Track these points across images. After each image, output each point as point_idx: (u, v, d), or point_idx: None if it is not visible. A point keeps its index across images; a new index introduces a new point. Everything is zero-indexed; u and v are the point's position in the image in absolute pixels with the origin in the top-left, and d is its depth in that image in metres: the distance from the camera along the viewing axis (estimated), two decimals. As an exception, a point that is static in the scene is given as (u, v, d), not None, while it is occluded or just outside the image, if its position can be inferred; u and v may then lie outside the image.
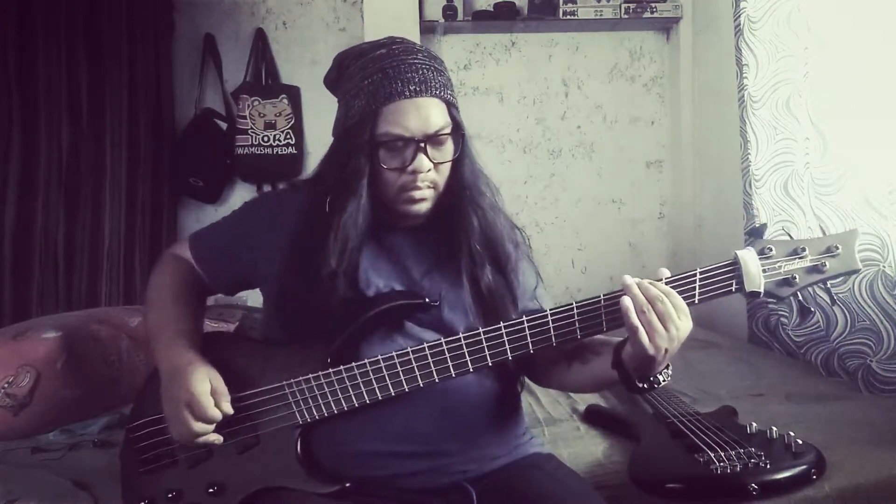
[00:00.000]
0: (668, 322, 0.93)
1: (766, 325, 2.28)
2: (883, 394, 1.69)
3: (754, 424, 1.33)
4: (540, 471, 1.11)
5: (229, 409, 1.06)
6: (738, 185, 2.29)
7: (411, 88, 1.06)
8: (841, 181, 1.83)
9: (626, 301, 0.94)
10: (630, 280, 0.96)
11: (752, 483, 1.15)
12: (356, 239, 1.08)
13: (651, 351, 0.93)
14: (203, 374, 1.06)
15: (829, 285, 1.05)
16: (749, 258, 0.98)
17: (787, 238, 1.02)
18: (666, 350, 0.94)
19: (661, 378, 1.00)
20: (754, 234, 1.04)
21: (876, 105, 1.77)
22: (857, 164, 1.80)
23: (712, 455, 1.22)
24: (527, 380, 1.23)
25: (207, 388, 1.04)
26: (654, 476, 1.24)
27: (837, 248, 0.99)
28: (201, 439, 1.05)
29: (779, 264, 1.00)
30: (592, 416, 1.56)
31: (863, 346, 1.79)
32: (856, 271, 1.01)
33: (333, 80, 1.17)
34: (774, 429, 1.29)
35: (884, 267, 1.71)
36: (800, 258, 0.99)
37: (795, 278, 0.99)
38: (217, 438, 1.06)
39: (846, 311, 1.83)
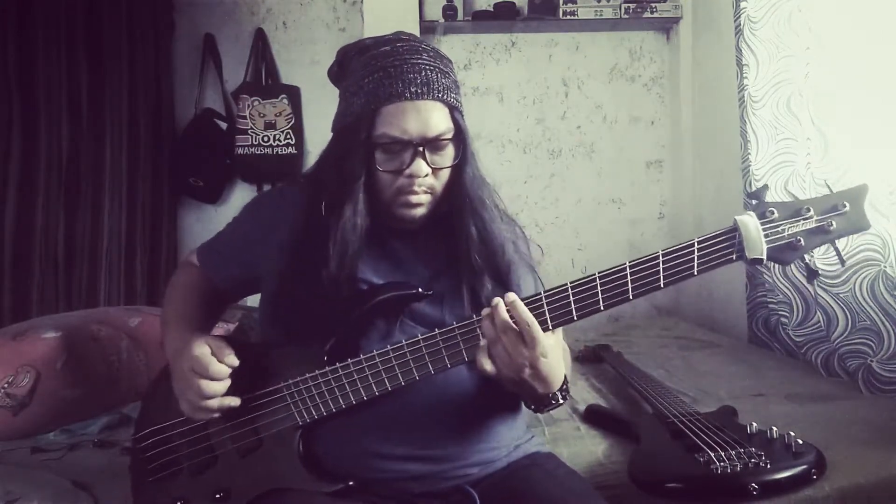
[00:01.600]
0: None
1: (766, 325, 2.28)
2: (883, 394, 1.69)
3: (754, 424, 1.33)
4: (540, 470, 1.11)
5: (234, 361, 1.03)
6: (738, 185, 2.28)
7: (412, 90, 1.03)
8: (842, 181, 1.82)
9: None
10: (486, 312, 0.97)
11: (752, 483, 1.15)
12: (356, 243, 1.07)
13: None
14: (200, 341, 1.04)
15: (837, 245, 0.98)
16: (750, 223, 0.93)
17: (790, 199, 0.97)
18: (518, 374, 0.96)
19: (552, 401, 1.02)
20: (755, 196, 0.96)
21: (877, 105, 1.77)
22: (858, 164, 1.79)
23: (712, 455, 1.21)
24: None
25: (207, 350, 1.03)
26: (654, 476, 1.24)
27: (845, 206, 0.93)
28: (216, 402, 1.02)
29: (782, 227, 0.93)
30: (592, 416, 1.56)
31: (863, 346, 1.78)
32: (864, 229, 0.94)
33: (336, 74, 1.16)
34: (774, 429, 1.29)
35: (885, 267, 1.71)
36: (804, 219, 0.93)
37: (800, 241, 0.93)
38: (234, 401, 1.04)
39: (847, 311, 1.82)
